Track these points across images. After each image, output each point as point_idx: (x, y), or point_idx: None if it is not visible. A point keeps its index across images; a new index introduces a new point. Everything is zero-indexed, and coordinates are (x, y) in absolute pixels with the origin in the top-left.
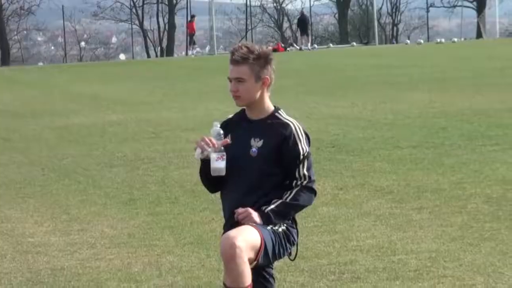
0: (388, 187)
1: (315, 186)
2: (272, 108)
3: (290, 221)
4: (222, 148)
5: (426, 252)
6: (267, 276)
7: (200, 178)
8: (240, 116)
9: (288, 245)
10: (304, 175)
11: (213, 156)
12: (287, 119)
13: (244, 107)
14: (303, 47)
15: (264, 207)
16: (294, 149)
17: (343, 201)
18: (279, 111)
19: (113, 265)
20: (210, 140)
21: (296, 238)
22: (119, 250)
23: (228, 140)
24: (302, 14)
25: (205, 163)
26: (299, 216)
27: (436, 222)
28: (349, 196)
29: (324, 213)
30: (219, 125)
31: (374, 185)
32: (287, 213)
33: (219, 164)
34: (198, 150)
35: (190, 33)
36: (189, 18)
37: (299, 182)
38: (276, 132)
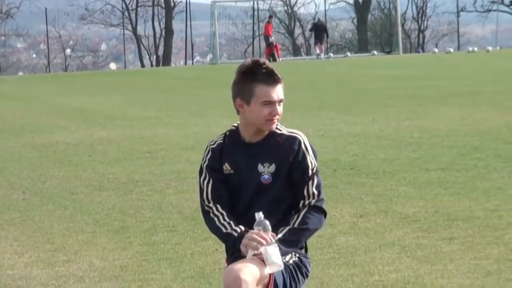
0: (414, 214)
1: (325, 205)
2: None
3: (302, 250)
4: (273, 239)
5: None
6: None
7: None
8: (233, 139)
9: (300, 277)
10: (313, 193)
11: (269, 250)
12: (291, 132)
13: (234, 128)
14: (322, 56)
15: None
16: (302, 163)
17: (363, 230)
18: (277, 125)
19: None
20: (262, 236)
21: (309, 270)
22: (110, 284)
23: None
24: (318, 19)
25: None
26: (313, 247)
27: (468, 255)
28: (370, 224)
29: (342, 244)
30: (262, 216)
31: (399, 212)
32: (297, 240)
33: (277, 259)
34: (251, 252)
35: (265, 35)
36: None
37: (306, 202)
38: (286, 150)
